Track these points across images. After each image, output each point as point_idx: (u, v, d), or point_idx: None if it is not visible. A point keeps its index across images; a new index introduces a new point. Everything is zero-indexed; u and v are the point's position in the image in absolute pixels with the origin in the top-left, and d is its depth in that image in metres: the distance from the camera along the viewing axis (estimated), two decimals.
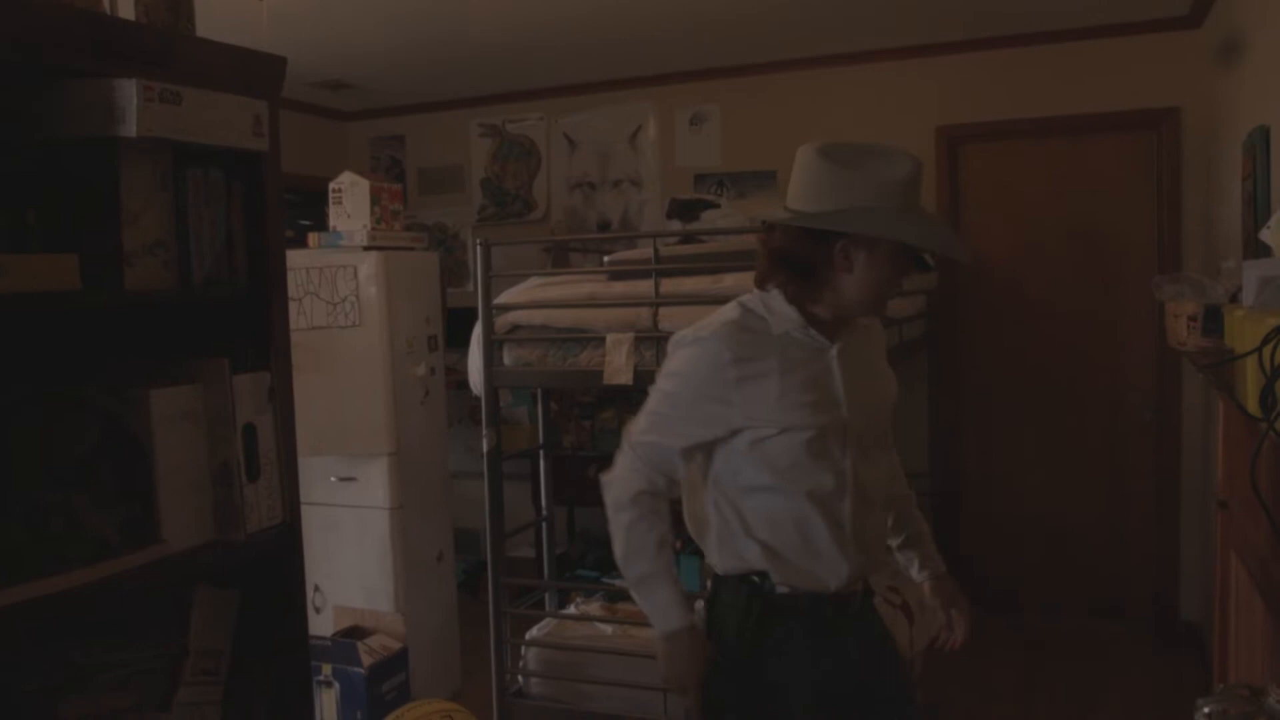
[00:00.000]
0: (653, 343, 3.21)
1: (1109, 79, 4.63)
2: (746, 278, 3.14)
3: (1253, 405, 1.22)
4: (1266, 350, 1.03)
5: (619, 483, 1.99)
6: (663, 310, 3.21)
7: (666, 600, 1.95)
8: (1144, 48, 4.58)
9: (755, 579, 1.95)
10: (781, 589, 1.95)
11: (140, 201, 1.47)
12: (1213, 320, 2.30)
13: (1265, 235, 2.29)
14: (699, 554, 2.07)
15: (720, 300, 3.10)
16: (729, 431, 1.92)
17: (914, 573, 2.25)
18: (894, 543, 2.22)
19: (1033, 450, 4.93)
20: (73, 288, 1.37)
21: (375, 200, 3.97)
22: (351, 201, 3.98)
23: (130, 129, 1.35)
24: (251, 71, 1.59)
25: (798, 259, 1.91)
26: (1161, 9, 4.38)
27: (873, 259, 1.88)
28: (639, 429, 1.98)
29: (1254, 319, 1.27)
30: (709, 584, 2.07)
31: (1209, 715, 1.20)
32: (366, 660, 3.39)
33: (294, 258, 3.86)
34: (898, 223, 1.86)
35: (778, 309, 1.95)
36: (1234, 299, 2.44)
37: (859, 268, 1.89)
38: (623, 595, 3.95)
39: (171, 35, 1.51)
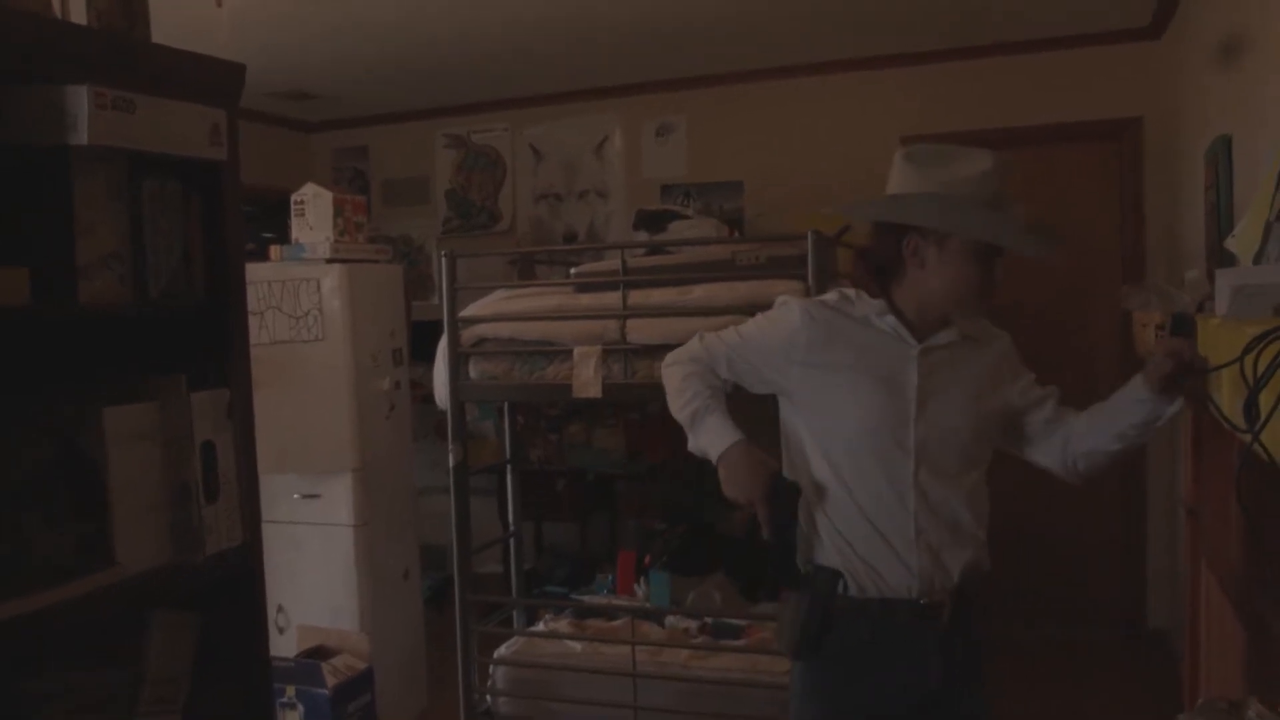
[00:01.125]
0: (621, 355, 3.19)
1: (1072, 89, 4.67)
2: (716, 289, 3.15)
3: (1232, 415, 1.22)
4: (1249, 360, 1.02)
5: (680, 352, 2.11)
6: (631, 322, 3.19)
7: (715, 425, 1.98)
8: (1106, 58, 4.62)
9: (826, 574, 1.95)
10: (854, 590, 1.94)
11: (94, 213, 1.42)
12: (1180, 328, 2.30)
13: (1231, 243, 2.29)
14: (668, 568, 2.04)
15: (689, 312, 3.10)
16: (768, 389, 2.01)
17: (1138, 396, 1.95)
18: (1107, 441, 2.01)
19: (998, 459, 4.93)
20: (23, 302, 1.32)
21: (339, 212, 3.92)
22: (314, 213, 3.92)
23: (82, 137, 1.30)
24: (209, 79, 1.54)
25: (874, 256, 1.96)
26: (1123, 20, 4.42)
27: (944, 255, 1.89)
28: (716, 333, 2.09)
29: (1231, 328, 1.26)
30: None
31: None
32: (331, 681, 3.32)
33: (256, 271, 3.80)
34: (956, 214, 1.86)
35: (857, 295, 1.99)
36: (1201, 308, 2.44)
37: (931, 264, 1.90)
38: (592, 612, 3.92)
39: (125, 41, 1.46)
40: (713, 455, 1.97)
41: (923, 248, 1.90)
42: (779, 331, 1.99)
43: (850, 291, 2.02)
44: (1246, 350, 1.03)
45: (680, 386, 2.05)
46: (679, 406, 2.04)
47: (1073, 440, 2.03)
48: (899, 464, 1.92)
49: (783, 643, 1.98)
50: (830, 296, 2.03)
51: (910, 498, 1.93)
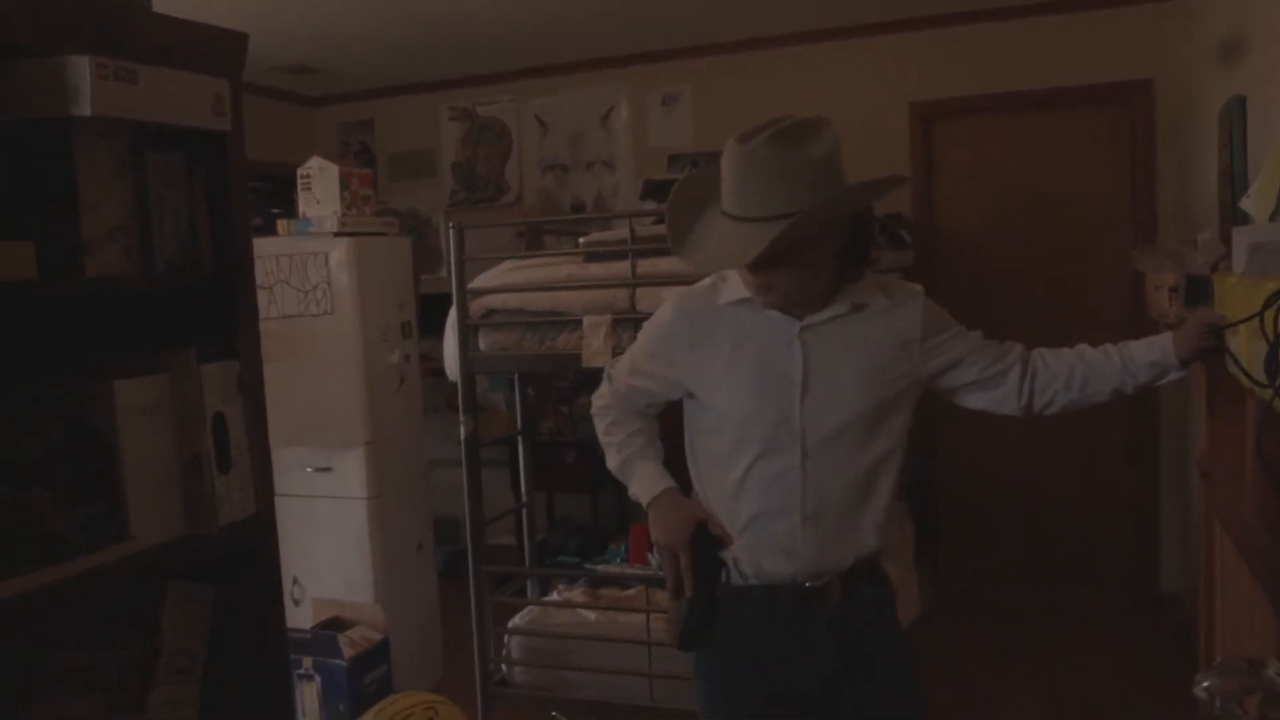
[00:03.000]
0: (630, 324, 3.18)
1: (1081, 52, 4.62)
2: None
3: (1254, 371, 1.20)
4: (1269, 315, 1.00)
5: (597, 397, 2.14)
6: (640, 291, 3.18)
7: (644, 473, 2.02)
8: (1116, 21, 4.56)
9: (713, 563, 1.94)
10: (735, 578, 1.93)
11: (98, 186, 1.41)
12: (1195, 291, 2.29)
13: (1246, 204, 2.27)
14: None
15: (696, 279, 3.08)
16: (680, 391, 1.99)
17: (1156, 359, 1.91)
18: (1100, 395, 1.97)
19: (1007, 422, 4.91)
20: (30, 278, 1.31)
21: (345, 185, 3.91)
22: (321, 187, 3.91)
23: (84, 109, 1.29)
24: (211, 49, 1.53)
25: None
26: None
27: None
28: (619, 367, 2.12)
29: (1248, 285, 1.24)
30: None
31: (1208, 689, 1.17)
32: (348, 652, 3.35)
33: (264, 245, 3.79)
34: (689, 214, 1.87)
35: (730, 277, 1.93)
36: (1215, 269, 2.42)
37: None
38: (606, 581, 3.93)
39: (126, 10, 1.45)
40: (644, 501, 2.00)
41: None
42: (657, 334, 2.01)
43: (729, 272, 1.94)
44: (1266, 305, 1.02)
45: (606, 439, 2.09)
46: (610, 460, 2.08)
47: (1051, 387, 1.97)
48: (784, 448, 1.87)
49: (669, 635, 1.97)
50: (705, 283, 1.99)
51: (797, 482, 1.87)
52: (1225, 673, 1.18)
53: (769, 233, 1.68)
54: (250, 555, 1.63)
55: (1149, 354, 1.90)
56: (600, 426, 2.11)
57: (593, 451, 5.22)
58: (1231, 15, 3.38)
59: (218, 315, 1.61)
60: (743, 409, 1.88)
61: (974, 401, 2.03)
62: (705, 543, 1.92)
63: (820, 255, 1.81)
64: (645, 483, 2.01)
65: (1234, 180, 3.11)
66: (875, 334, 1.91)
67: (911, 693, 2.01)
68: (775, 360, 1.87)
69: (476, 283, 3.45)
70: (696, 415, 2.00)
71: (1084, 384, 1.95)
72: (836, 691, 1.94)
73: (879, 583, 2.02)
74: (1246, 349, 1.26)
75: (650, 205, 4.07)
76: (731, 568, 1.94)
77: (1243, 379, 1.30)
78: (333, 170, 3.89)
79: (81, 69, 1.28)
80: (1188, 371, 1.90)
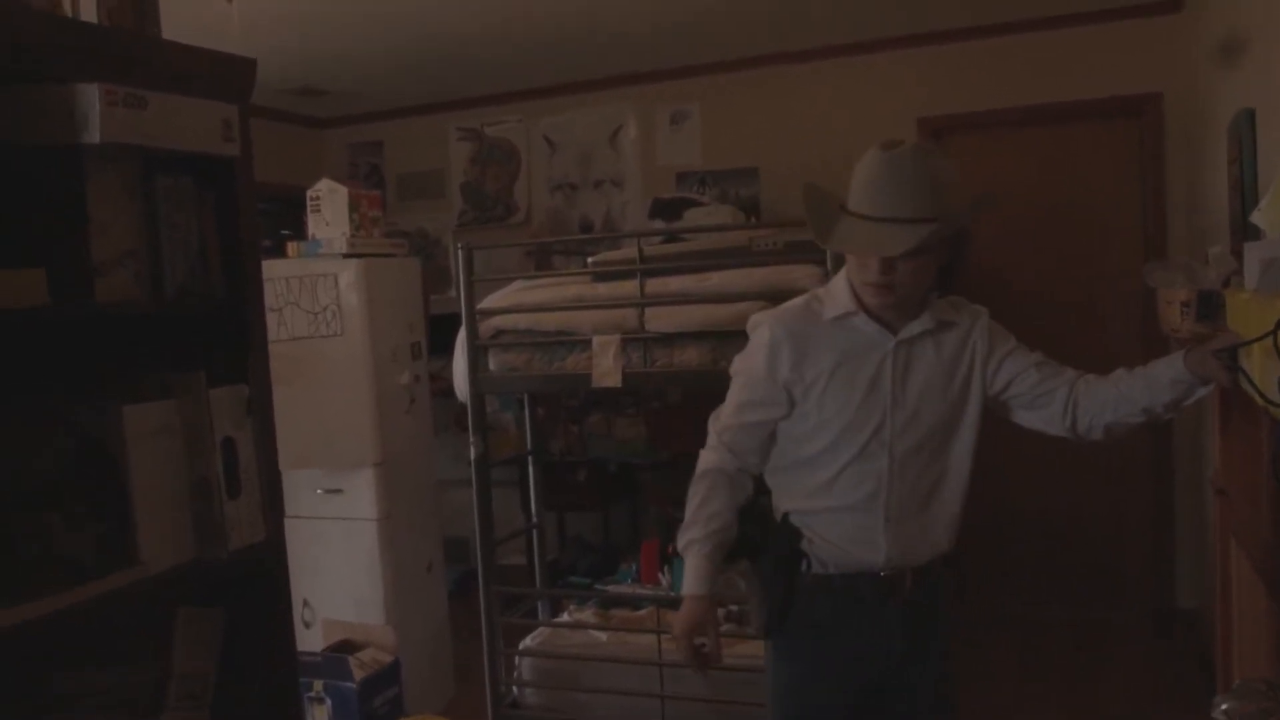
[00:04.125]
0: (640, 343, 3.18)
1: (1091, 66, 4.62)
2: (733, 276, 3.13)
3: (1268, 390, 1.19)
4: None
5: (700, 463, 2.10)
6: (649, 310, 3.17)
7: (695, 568, 2.03)
8: (1125, 34, 4.56)
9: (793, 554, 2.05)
10: (816, 568, 2.04)
11: (108, 211, 1.42)
12: (1207, 306, 2.28)
13: (1257, 217, 2.26)
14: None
15: (708, 299, 3.08)
16: (788, 408, 2.03)
17: (1177, 377, 1.95)
18: (1132, 415, 2.03)
19: (1024, 439, 4.89)
20: (41, 302, 1.31)
21: (354, 207, 3.92)
22: (330, 209, 3.92)
23: (94, 135, 1.29)
24: (220, 75, 1.54)
25: None
26: None
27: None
28: (723, 414, 2.10)
29: (1261, 303, 1.23)
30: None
31: (1227, 712, 1.16)
32: (358, 674, 3.34)
33: (273, 267, 3.80)
34: (814, 211, 1.94)
35: (835, 292, 2.03)
36: (1227, 284, 2.41)
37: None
38: (617, 601, 3.92)
39: (136, 38, 1.46)
40: (683, 591, 2.06)
41: None
42: (759, 361, 2.03)
43: (820, 291, 2.08)
44: (1279, 325, 1.01)
45: (691, 510, 2.07)
46: (682, 527, 2.07)
47: (1090, 409, 2.04)
48: (875, 458, 1.99)
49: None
50: (798, 302, 2.08)
51: (884, 488, 1.99)
52: (1244, 695, 1.16)
53: (916, 231, 1.81)
54: (260, 579, 1.63)
55: (1169, 371, 1.94)
56: (692, 491, 2.08)
57: (603, 470, 5.22)
58: (1239, 28, 3.37)
59: (228, 339, 1.61)
60: (844, 419, 1.98)
61: (1025, 419, 2.15)
62: (786, 531, 2.05)
63: (933, 263, 1.94)
64: (692, 577, 2.04)
65: (1244, 193, 3.11)
66: (954, 350, 2.05)
67: (952, 681, 2.20)
68: (873, 373, 1.99)
69: (485, 303, 3.45)
70: (788, 425, 2.04)
71: (1117, 406, 2.02)
72: (898, 677, 2.08)
73: (944, 578, 2.17)
74: (1260, 368, 1.25)
75: (659, 224, 4.08)
76: (812, 558, 2.04)
77: (1256, 398, 1.29)
78: (342, 192, 3.90)
79: (91, 96, 1.29)
80: (1212, 388, 1.91)
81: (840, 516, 2.02)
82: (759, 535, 2.09)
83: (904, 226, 1.83)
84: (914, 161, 1.85)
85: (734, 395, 2.09)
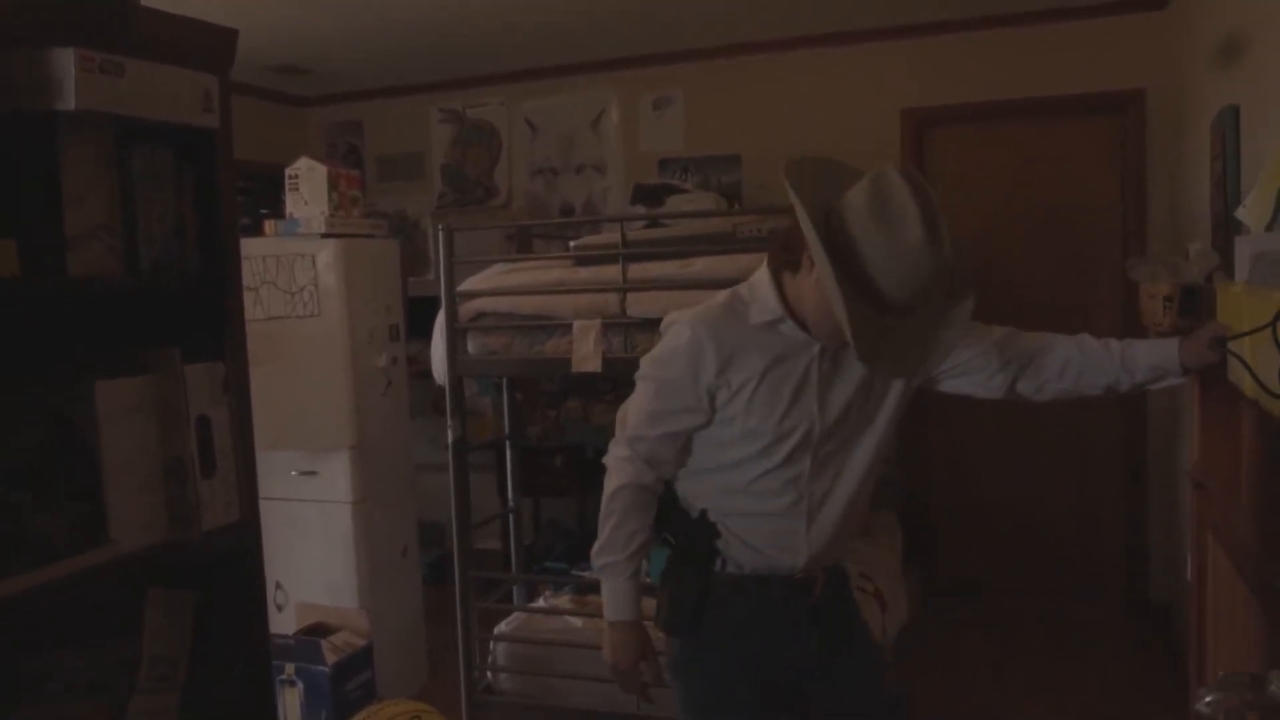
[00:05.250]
0: (621, 329, 3.16)
1: (1074, 61, 4.62)
2: (716, 262, 3.12)
3: (1270, 383, 1.18)
4: None
5: (611, 474, 2.00)
6: (631, 295, 3.16)
7: (621, 591, 1.99)
8: (1110, 30, 4.57)
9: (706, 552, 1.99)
10: (731, 568, 1.99)
11: (82, 182, 1.38)
12: (1190, 300, 2.28)
13: (1242, 213, 2.26)
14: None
15: (689, 285, 3.07)
16: (706, 415, 1.93)
17: (1157, 363, 1.91)
18: (1094, 388, 1.96)
19: (999, 434, 4.93)
20: (11, 275, 1.28)
21: (333, 186, 3.87)
22: (309, 188, 3.87)
23: (68, 102, 1.26)
24: (200, 44, 1.50)
25: (787, 240, 1.84)
26: None
27: (820, 282, 1.73)
28: (632, 422, 1.99)
29: (1256, 295, 1.23)
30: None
31: (1211, 705, 1.15)
32: (330, 658, 3.31)
33: (250, 246, 3.75)
34: (839, 271, 1.67)
35: (761, 297, 1.89)
36: (1209, 279, 2.41)
37: (811, 278, 1.77)
38: (593, 588, 3.90)
39: (113, 3, 1.42)
40: (607, 617, 2.02)
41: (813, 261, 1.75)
42: (680, 366, 1.90)
43: (742, 290, 1.93)
44: (1279, 316, 1.00)
45: (603, 525, 1.99)
46: (597, 548, 2.00)
47: (1042, 373, 1.97)
48: (799, 463, 1.91)
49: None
50: (719, 303, 1.94)
51: (806, 494, 1.94)
52: (1228, 688, 1.16)
53: (949, 331, 1.76)
54: (234, 561, 1.60)
55: (1151, 356, 1.90)
56: (606, 509, 1.99)
57: (580, 456, 5.20)
58: (1225, 25, 3.38)
59: (204, 316, 1.58)
60: (770, 427, 1.89)
61: (950, 387, 2.04)
62: (702, 529, 1.98)
63: None
64: (618, 601, 2.00)
65: (1227, 189, 3.12)
66: None
67: (879, 677, 2.16)
68: (799, 379, 1.89)
69: (465, 285, 3.42)
70: (707, 431, 1.96)
71: (1079, 376, 1.95)
72: (815, 679, 2.05)
73: (846, 577, 2.15)
74: (1253, 359, 1.24)
75: (640, 210, 4.05)
76: (725, 556, 1.98)
77: (1255, 389, 1.28)
78: (321, 171, 3.86)
79: (66, 61, 1.26)
80: (1185, 380, 1.89)
81: (760, 521, 1.96)
82: (671, 532, 2.03)
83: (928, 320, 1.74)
84: (936, 255, 1.66)
85: (648, 402, 1.96)
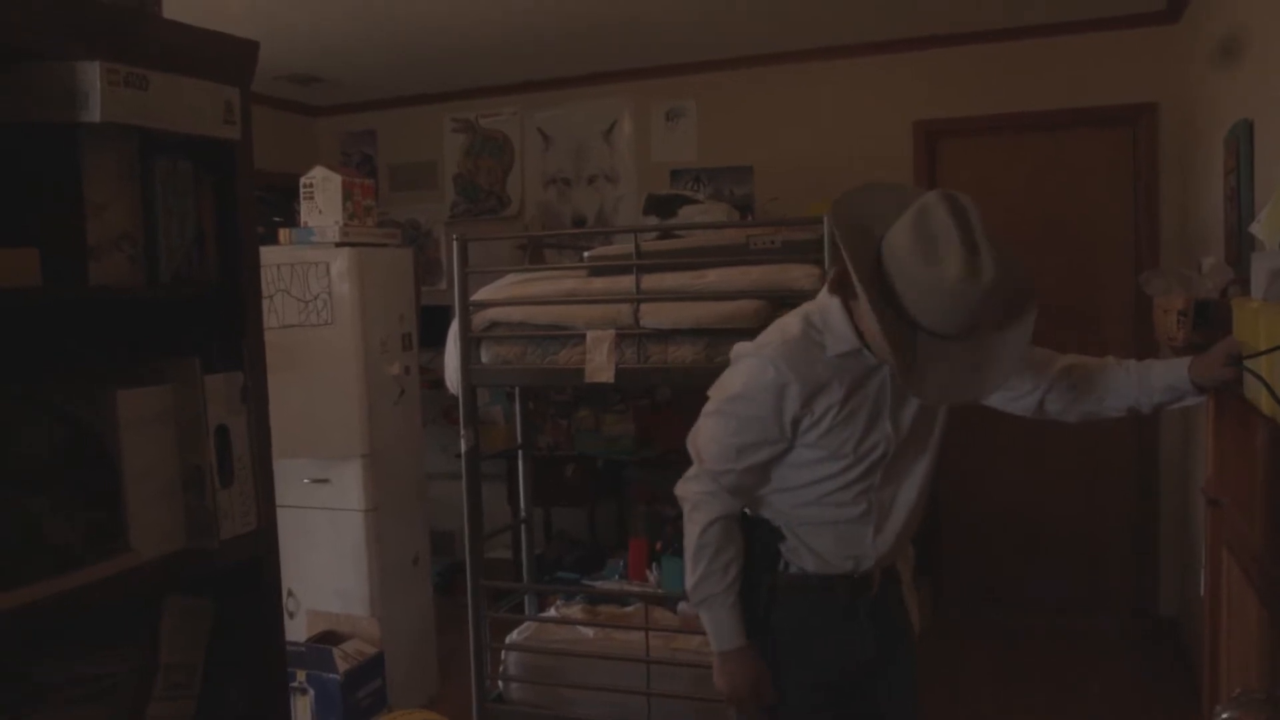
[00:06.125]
0: (634, 340, 3.16)
1: (1087, 74, 4.62)
2: (730, 273, 3.12)
3: None
4: None
5: (698, 508, 2.02)
6: (644, 306, 3.16)
7: (725, 621, 2.02)
8: (1122, 43, 4.57)
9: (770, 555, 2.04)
10: (794, 570, 2.03)
11: (105, 192, 1.39)
12: (1204, 315, 2.28)
13: (1256, 228, 2.26)
14: (681, 554, 2.06)
15: (704, 296, 3.07)
16: (788, 444, 1.96)
17: (1174, 384, 1.93)
18: (1115, 409, 2.00)
19: (1010, 446, 4.91)
20: (34, 284, 1.29)
21: (348, 195, 3.89)
22: (323, 197, 3.89)
23: (94, 114, 1.27)
24: (222, 56, 1.51)
25: (843, 271, 1.83)
26: (1140, 4, 4.37)
27: (861, 308, 1.78)
28: (713, 455, 1.99)
29: (1274, 312, 1.22)
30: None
31: None
32: (342, 666, 3.31)
33: (265, 254, 3.74)
34: (885, 298, 1.70)
35: (835, 325, 1.89)
36: (1224, 293, 2.41)
37: (861, 306, 1.78)
38: (604, 598, 3.90)
39: (137, 16, 1.43)
40: (717, 647, 2.04)
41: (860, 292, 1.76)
42: (765, 403, 1.91)
43: (815, 319, 1.93)
44: None
45: (698, 559, 2.01)
46: (694, 582, 2.02)
47: (1068, 397, 2.01)
48: (872, 474, 1.97)
49: None
50: (795, 335, 1.92)
51: (875, 505, 2.00)
52: (1245, 705, 1.16)
53: (1008, 352, 1.74)
54: (251, 570, 1.61)
55: (1167, 376, 1.92)
56: (699, 543, 2.00)
57: (592, 466, 5.21)
58: (1238, 39, 3.37)
59: (222, 325, 1.58)
60: (849, 450, 1.94)
61: (991, 400, 2.07)
62: (768, 533, 2.04)
63: None
64: (725, 632, 2.02)
65: (1240, 204, 3.11)
66: None
67: (915, 681, 2.19)
68: (874, 402, 1.93)
69: (479, 295, 3.43)
70: (791, 453, 1.98)
71: (1101, 398, 1.99)
72: (870, 676, 2.10)
73: (899, 575, 2.19)
74: (1271, 376, 1.24)
75: (653, 220, 4.06)
76: (789, 559, 2.03)
77: (1272, 407, 1.27)
78: (335, 180, 3.87)
79: (92, 74, 1.27)
80: (1203, 399, 1.90)
81: (828, 529, 2.01)
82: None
83: (990, 339, 1.72)
84: (1001, 281, 1.65)
85: (732, 436, 1.96)
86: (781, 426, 1.92)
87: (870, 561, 2.02)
